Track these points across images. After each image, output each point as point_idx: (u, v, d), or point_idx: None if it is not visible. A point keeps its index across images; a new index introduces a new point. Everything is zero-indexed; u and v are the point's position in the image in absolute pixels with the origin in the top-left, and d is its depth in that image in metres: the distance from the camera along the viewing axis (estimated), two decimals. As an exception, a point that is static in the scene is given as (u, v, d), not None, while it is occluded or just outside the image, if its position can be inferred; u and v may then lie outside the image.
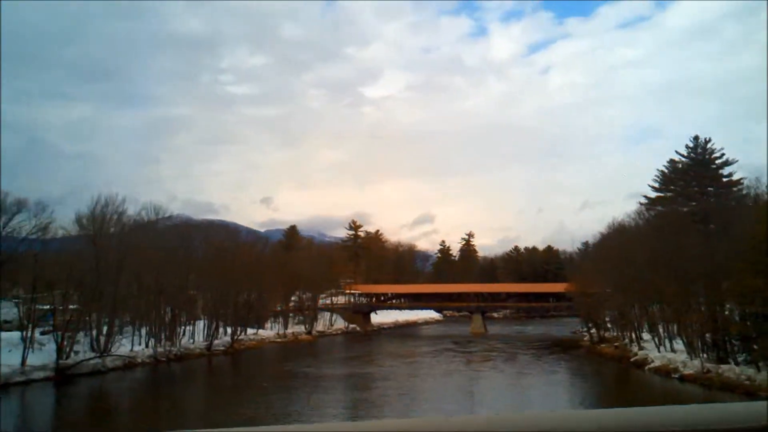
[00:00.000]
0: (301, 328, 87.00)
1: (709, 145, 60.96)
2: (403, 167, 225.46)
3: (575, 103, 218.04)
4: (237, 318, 70.61)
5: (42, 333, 50.75)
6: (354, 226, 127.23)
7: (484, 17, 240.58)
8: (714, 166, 60.20)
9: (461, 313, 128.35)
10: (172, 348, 60.66)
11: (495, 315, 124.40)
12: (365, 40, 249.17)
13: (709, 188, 60.02)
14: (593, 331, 75.68)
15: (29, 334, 46.84)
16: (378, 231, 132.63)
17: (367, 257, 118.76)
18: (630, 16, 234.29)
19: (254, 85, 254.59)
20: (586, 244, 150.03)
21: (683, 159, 63.01)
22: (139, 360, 55.80)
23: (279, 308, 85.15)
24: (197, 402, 40.15)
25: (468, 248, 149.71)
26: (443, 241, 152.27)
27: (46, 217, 48.59)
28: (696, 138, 61.38)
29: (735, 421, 1.99)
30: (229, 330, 70.43)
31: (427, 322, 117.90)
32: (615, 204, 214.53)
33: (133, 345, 57.65)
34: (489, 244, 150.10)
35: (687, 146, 62.59)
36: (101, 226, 54.15)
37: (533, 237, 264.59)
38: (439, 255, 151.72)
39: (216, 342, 67.15)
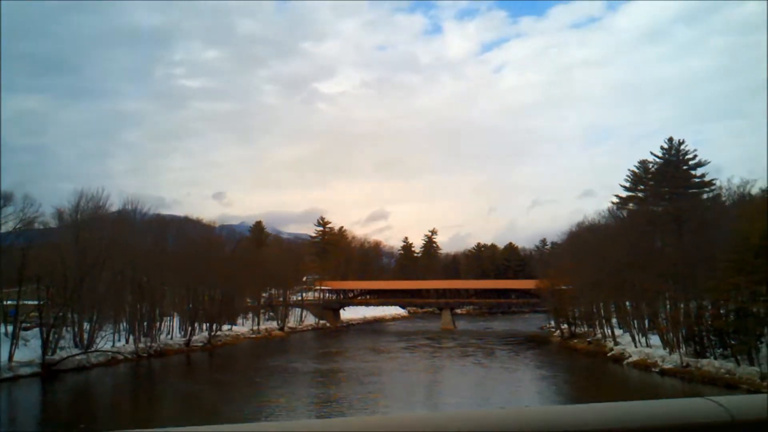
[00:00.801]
0: (273, 324, 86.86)
1: (682, 147, 63.31)
2: (357, 165, 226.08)
3: (529, 103, 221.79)
4: (213, 314, 70.16)
5: (24, 329, 49.68)
6: (322, 223, 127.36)
7: (439, 15, 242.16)
8: (686, 167, 62.49)
9: (424, 309, 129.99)
10: (152, 344, 60.05)
11: (458, 311, 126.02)
12: (321, 37, 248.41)
13: (682, 188, 62.23)
14: (564, 326, 77.63)
15: (18, 330, 45.88)
16: (342, 228, 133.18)
17: (335, 253, 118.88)
18: (582, 16, 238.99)
19: (208, 80, 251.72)
20: (543, 241, 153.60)
21: (657, 159, 65.25)
22: (121, 356, 55.10)
23: (249, 304, 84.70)
24: (204, 396, 39.85)
25: (431, 245, 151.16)
26: (406, 238, 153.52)
27: (32, 211, 47.56)
28: (670, 139, 63.79)
29: (735, 415, 2.07)
30: (204, 326, 70.01)
31: (393, 318, 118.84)
32: (566, 203, 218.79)
33: (114, 341, 56.92)
34: (441, 240, 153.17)
35: (662, 147, 64.95)
36: (84, 221, 53.20)
37: (485, 234, 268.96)
38: (401, 252, 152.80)
39: (194, 338, 66.71)
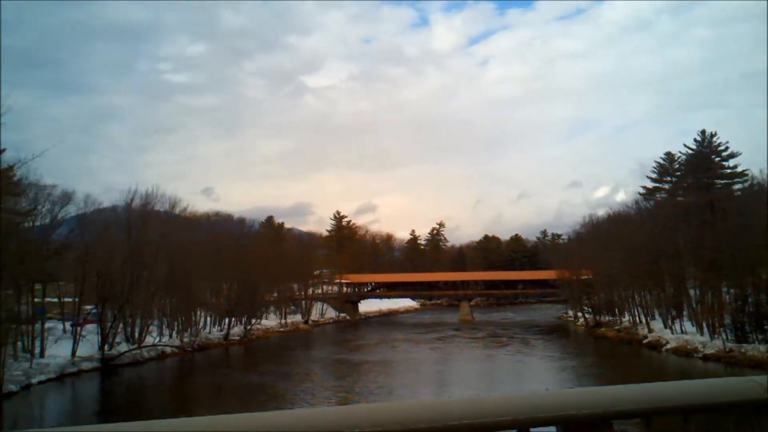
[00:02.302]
0: (297, 318, 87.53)
1: (714, 139, 64.72)
2: (344, 158, 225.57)
3: (514, 95, 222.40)
4: (247, 308, 70.84)
5: (73, 325, 50.10)
6: (338, 217, 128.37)
7: (426, 8, 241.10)
8: (719, 158, 63.87)
9: (432, 302, 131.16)
10: (194, 339, 60.66)
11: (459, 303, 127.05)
12: (306, 30, 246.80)
13: (716, 178, 63.65)
14: (589, 315, 78.90)
15: (81, 328, 46.55)
16: (351, 222, 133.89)
17: (350, 247, 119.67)
18: (569, 8, 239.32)
19: (194, 74, 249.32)
20: (544, 232, 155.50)
21: (689, 151, 66.56)
22: (169, 351, 55.69)
23: (272, 299, 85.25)
24: (273, 387, 40.47)
25: (438, 237, 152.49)
26: (413, 231, 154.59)
27: (92, 207, 47.99)
28: (703, 132, 65.18)
29: (736, 395, 2.15)
30: (236, 321, 70.70)
31: (407, 311, 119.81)
32: (552, 194, 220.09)
33: (161, 336, 57.60)
34: (420, 234, 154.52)
35: (695, 140, 66.35)
36: (139, 219, 53.68)
37: (472, 227, 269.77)
38: (407, 244, 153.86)
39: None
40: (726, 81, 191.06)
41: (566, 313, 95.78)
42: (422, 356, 54.40)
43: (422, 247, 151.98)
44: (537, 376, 43.75)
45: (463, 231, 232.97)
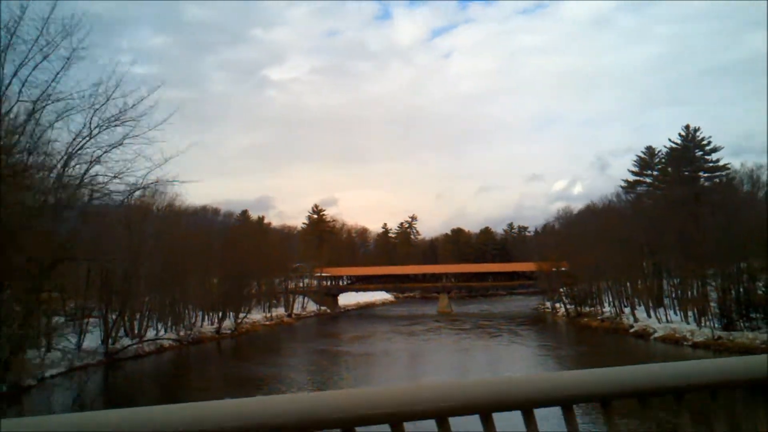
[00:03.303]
0: (280, 311, 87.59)
1: (698, 133, 67.05)
2: (308, 152, 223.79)
3: (477, 89, 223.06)
4: (236, 302, 70.86)
5: (72, 319, 49.54)
6: (317, 211, 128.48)
7: (389, 1, 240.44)
8: (702, 152, 66.18)
9: (405, 294, 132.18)
10: (190, 332, 60.62)
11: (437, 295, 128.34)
12: (270, 23, 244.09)
13: (700, 171, 66.01)
14: (570, 306, 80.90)
15: (87, 323, 46.23)
16: (325, 215, 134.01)
17: (330, 241, 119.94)
18: (530, 3, 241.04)
19: (157, 67, 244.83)
20: (510, 225, 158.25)
21: (674, 145, 68.79)
22: (167, 344, 55.57)
23: (257, 292, 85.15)
24: (280, 377, 40.83)
25: (410, 230, 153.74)
26: (385, 224, 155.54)
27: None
28: (687, 126, 67.47)
29: (735, 374, 2.20)
30: (223, 315, 70.58)
31: (383, 303, 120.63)
32: (513, 187, 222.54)
33: (157, 330, 57.42)
34: (392, 227, 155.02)
35: (679, 134, 68.63)
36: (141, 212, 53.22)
37: (433, 220, 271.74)
38: (378, 238, 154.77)
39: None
40: (684, 77, 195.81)
41: (543, 304, 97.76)
42: (424, 347, 55.35)
43: (393, 240, 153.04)
44: (543, 365, 44.98)
45: (426, 224, 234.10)
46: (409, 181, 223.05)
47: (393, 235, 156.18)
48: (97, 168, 36.84)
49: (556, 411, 2.08)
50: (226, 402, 1.79)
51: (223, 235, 74.83)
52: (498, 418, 2.00)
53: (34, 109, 31.18)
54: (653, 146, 73.63)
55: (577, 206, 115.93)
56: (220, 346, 62.07)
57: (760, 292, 51.83)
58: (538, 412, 2.04)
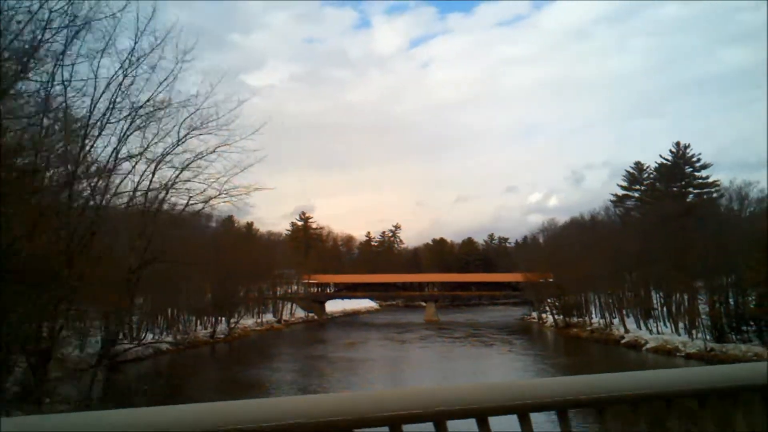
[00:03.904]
0: (268, 317, 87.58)
1: (687, 150, 68.65)
2: (286, 158, 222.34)
3: (455, 99, 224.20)
4: (230, 308, 70.88)
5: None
6: (303, 218, 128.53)
7: (368, 10, 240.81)
8: (691, 169, 67.79)
9: (388, 303, 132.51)
10: (186, 336, 60.52)
11: (423, 304, 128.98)
12: (249, 28, 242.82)
13: (690, 187, 67.56)
14: (558, 317, 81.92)
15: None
16: (309, 221, 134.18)
17: (317, 248, 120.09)
18: (509, 15, 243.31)
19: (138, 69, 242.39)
20: (491, 236, 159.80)
21: (665, 161, 70.43)
22: (164, 348, 55.41)
23: (248, 298, 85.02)
24: (291, 380, 41.03)
25: (394, 239, 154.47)
26: (369, 233, 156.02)
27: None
28: (678, 143, 69.13)
29: (736, 381, 2.27)
30: (215, 320, 70.56)
31: (368, 311, 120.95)
32: (489, 198, 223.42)
33: (154, 334, 57.32)
34: (374, 235, 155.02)
35: (670, 150, 70.20)
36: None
37: (410, 229, 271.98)
38: (360, 246, 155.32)
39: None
40: (660, 89, 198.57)
41: (529, 314, 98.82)
42: (422, 355, 55.82)
43: (376, 248, 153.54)
44: (546, 373, 45.59)
45: (406, 232, 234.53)
46: (387, 188, 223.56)
47: (376, 243, 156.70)
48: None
49: (551, 415, 2.15)
50: (259, 401, 1.85)
51: (214, 241, 74.44)
52: (493, 422, 2.04)
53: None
54: (642, 162, 75.49)
55: (554, 218, 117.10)
56: (216, 350, 62.26)
57: (751, 305, 53.03)
58: (535, 416, 2.09)
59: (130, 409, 1.74)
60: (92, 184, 27.36)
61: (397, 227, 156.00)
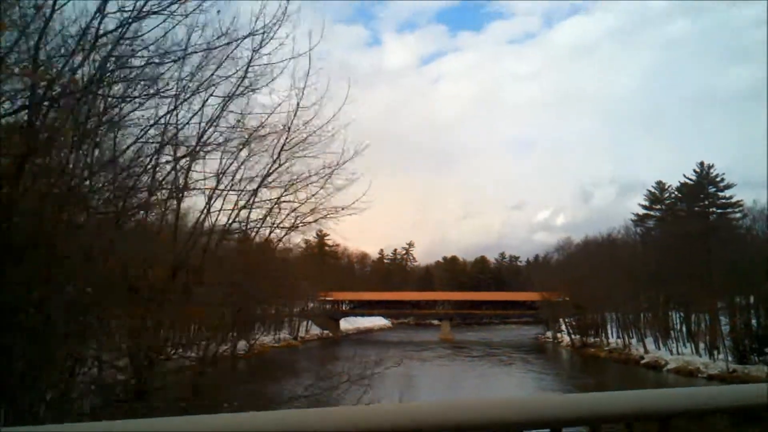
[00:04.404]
0: (284, 334, 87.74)
1: (711, 170, 69.12)
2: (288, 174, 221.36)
3: (462, 115, 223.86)
4: (250, 324, 70.95)
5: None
6: (320, 234, 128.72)
7: (379, 27, 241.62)
8: (715, 189, 68.15)
9: (399, 321, 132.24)
10: (206, 352, 60.72)
11: (435, 322, 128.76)
12: (258, 44, 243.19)
13: (713, 207, 67.91)
14: (576, 336, 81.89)
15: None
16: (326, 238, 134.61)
17: (332, 265, 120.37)
18: (520, 33, 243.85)
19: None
20: (502, 254, 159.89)
21: (688, 181, 70.81)
22: (187, 363, 55.62)
23: (267, 315, 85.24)
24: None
25: (407, 257, 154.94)
26: (381, 250, 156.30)
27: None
28: (702, 163, 69.66)
29: (740, 401, 2.31)
30: (231, 336, 70.78)
31: (382, 329, 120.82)
32: (495, 215, 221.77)
33: (176, 351, 57.48)
34: (371, 252, 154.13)
35: (694, 170, 70.68)
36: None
37: (419, 245, 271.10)
38: (373, 263, 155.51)
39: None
40: (662, 108, 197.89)
41: (543, 334, 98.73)
42: (446, 372, 55.96)
43: (389, 266, 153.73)
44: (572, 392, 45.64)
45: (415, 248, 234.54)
46: (392, 205, 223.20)
47: (388, 261, 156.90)
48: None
49: None
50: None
51: (234, 257, 75.00)
52: None
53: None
54: (663, 181, 75.72)
55: (569, 237, 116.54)
56: (236, 366, 62.19)
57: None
58: None
59: (137, 420, 1.76)
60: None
61: (410, 245, 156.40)
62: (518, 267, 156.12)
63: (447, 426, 1.95)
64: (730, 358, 54.32)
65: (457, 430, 1.97)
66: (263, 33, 15.88)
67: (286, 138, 33.28)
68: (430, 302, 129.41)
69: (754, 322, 54.89)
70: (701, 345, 59.72)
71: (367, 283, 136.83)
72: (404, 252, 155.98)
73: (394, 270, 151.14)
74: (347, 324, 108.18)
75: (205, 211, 26.35)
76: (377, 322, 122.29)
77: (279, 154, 31.57)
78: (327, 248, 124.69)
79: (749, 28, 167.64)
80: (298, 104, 18.23)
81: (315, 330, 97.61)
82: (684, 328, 63.81)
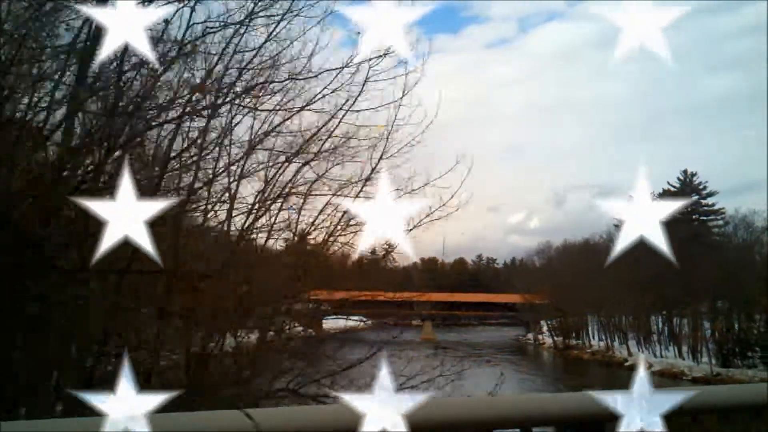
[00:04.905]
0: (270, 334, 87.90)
1: (694, 178, 70.84)
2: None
3: (443, 120, 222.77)
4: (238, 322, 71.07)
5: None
6: (303, 235, 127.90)
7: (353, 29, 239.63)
8: (698, 196, 69.65)
9: (379, 320, 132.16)
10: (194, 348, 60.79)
11: (414, 322, 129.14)
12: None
13: (695, 215, 69.47)
14: (557, 338, 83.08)
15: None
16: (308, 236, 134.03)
17: (316, 264, 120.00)
18: (495, 38, 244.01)
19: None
20: (479, 256, 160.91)
21: (672, 188, 72.11)
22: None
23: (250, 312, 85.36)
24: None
25: (387, 257, 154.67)
26: (362, 250, 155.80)
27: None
28: (685, 171, 71.25)
29: (739, 401, 2.40)
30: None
31: (363, 329, 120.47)
32: (471, 217, 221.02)
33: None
34: (364, 253, 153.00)
35: (678, 178, 72.21)
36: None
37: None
38: (353, 263, 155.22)
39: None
40: (648, 114, 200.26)
41: (524, 335, 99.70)
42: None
43: (369, 265, 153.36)
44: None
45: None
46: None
47: (367, 261, 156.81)
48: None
49: None
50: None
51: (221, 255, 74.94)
52: None
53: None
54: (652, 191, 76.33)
55: (549, 241, 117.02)
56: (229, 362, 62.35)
57: (755, 331, 54.53)
58: None
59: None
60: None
61: (389, 245, 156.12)
62: (496, 269, 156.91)
63: (431, 424, 1.98)
64: (713, 362, 55.54)
65: (440, 428, 2.01)
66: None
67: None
68: (409, 302, 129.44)
69: (736, 326, 56.24)
70: (684, 348, 61.01)
71: (348, 283, 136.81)
72: (384, 252, 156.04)
73: (375, 270, 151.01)
74: (329, 323, 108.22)
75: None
76: (356, 322, 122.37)
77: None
78: (309, 246, 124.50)
79: (737, 37, 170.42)
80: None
81: (299, 328, 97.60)
82: (666, 331, 65.03)
